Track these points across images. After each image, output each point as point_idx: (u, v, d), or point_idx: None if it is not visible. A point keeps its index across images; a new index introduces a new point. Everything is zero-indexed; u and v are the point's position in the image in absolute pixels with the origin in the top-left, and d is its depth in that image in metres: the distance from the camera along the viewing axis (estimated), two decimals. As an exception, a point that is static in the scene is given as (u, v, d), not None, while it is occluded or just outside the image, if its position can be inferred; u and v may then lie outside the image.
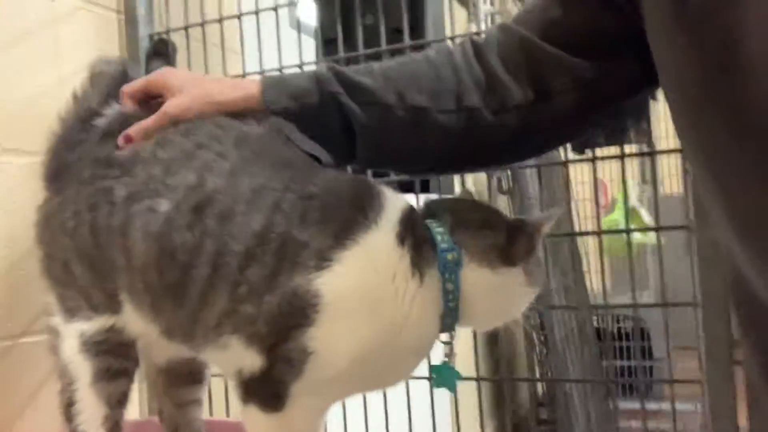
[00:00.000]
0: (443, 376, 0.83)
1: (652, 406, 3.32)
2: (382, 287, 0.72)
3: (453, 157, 0.90)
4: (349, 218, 0.74)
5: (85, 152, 0.85)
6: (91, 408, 0.83)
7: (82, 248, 0.82)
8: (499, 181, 3.02)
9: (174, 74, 0.89)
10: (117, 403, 0.84)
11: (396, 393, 1.26)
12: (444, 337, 0.78)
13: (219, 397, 1.16)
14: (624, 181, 1.30)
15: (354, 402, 0.99)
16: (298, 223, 0.73)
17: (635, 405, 3.33)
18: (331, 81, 0.84)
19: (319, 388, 0.76)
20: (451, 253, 0.73)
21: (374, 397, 1.17)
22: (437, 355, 0.82)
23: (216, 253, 0.74)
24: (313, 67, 1.16)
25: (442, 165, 0.95)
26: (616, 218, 3.18)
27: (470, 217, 0.78)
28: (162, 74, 0.89)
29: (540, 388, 3.13)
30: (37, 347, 0.97)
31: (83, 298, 0.83)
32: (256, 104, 0.85)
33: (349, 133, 0.85)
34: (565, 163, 1.23)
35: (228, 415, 1.24)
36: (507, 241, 0.76)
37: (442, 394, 1.35)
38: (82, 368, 0.83)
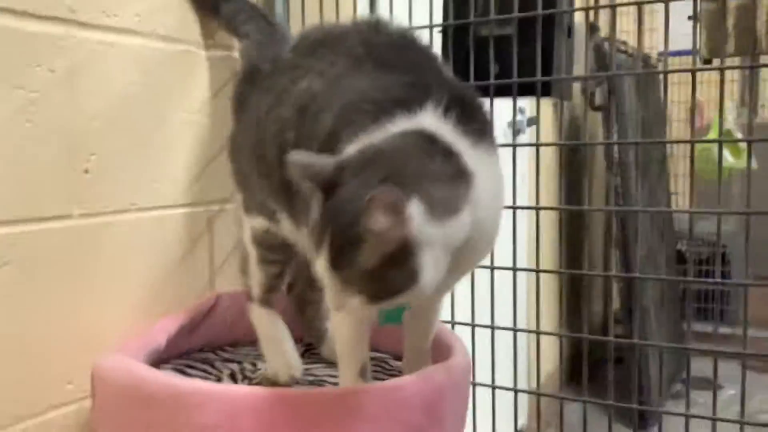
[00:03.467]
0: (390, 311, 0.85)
1: (726, 330, 3.33)
2: None
3: None
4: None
5: (254, 89, 1.02)
6: (256, 276, 1.03)
7: (249, 163, 1.00)
8: (592, 95, 2.96)
9: None
10: (274, 277, 1.03)
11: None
12: None
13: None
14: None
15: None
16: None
17: (708, 329, 3.35)
18: None
19: None
20: None
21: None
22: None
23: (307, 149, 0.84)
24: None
25: None
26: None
27: None
28: None
29: (616, 303, 3.16)
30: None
31: (252, 202, 1.02)
32: None
33: None
34: (665, 74, 1.21)
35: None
36: None
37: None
38: (252, 251, 1.03)
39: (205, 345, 1.11)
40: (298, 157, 0.74)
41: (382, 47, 0.88)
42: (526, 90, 1.17)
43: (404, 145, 0.73)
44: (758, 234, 1.35)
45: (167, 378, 0.78)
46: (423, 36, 1.13)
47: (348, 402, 0.75)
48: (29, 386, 0.93)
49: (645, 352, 2.60)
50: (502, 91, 1.17)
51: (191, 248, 1.18)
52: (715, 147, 3.11)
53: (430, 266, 0.68)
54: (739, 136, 3.09)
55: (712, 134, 3.17)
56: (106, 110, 1.04)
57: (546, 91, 1.16)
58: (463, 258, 0.75)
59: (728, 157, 3.06)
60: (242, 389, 0.77)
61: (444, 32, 1.26)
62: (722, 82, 1.11)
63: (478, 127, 0.78)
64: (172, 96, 1.15)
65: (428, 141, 0.73)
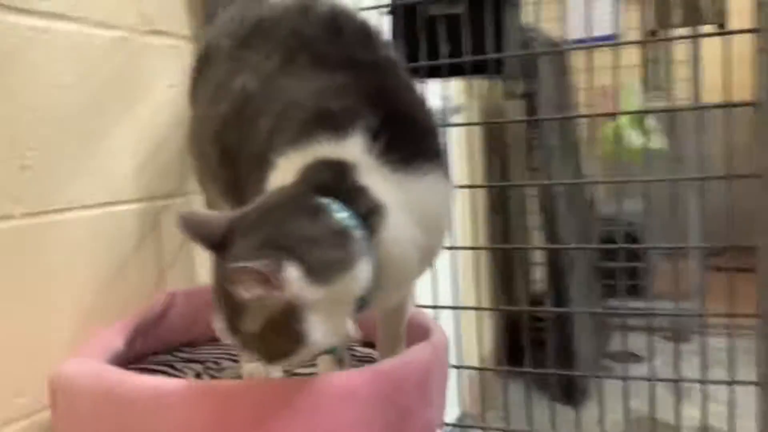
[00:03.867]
0: None
1: (640, 305, 3.48)
2: None
3: None
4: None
5: (200, 76, 0.99)
6: None
7: (201, 160, 0.98)
8: (509, 86, 3.02)
9: None
10: None
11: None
12: None
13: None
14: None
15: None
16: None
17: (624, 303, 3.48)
18: None
19: None
20: None
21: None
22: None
23: (247, 154, 0.83)
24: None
25: None
26: (621, 124, 3.20)
27: None
28: None
29: (540, 286, 3.25)
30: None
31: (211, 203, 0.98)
32: None
33: None
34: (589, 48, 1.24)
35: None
36: None
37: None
38: None
39: (162, 346, 1.05)
40: (188, 216, 0.72)
41: (315, 36, 0.84)
42: (475, 69, 1.17)
43: (296, 200, 0.71)
44: (661, 213, 1.43)
45: (144, 378, 0.73)
46: (371, 16, 1.10)
47: (344, 387, 0.72)
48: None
49: (573, 331, 2.68)
50: (454, 71, 1.16)
51: (139, 246, 1.12)
52: (625, 129, 3.26)
53: (318, 326, 0.67)
54: (648, 119, 3.22)
55: (623, 118, 3.31)
56: (42, 101, 0.96)
57: (498, 69, 1.17)
58: (394, 285, 0.76)
59: (635, 138, 3.19)
60: (231, 383, 0.73)
61: (392, 12, 1.25)
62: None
63: (409, 152, 0.75)
64: (110, 86, 1.08)
65: (337, 179, 0.72)
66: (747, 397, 1.31)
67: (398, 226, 0.72)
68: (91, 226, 1.03)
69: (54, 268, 0.97)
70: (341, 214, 0.69)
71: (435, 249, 0.80)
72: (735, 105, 1.17)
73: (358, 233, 0.69)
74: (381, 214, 0.71)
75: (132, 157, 1.11)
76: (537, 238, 3.19)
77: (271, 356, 0.70)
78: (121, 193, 1.09)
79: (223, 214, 0.72)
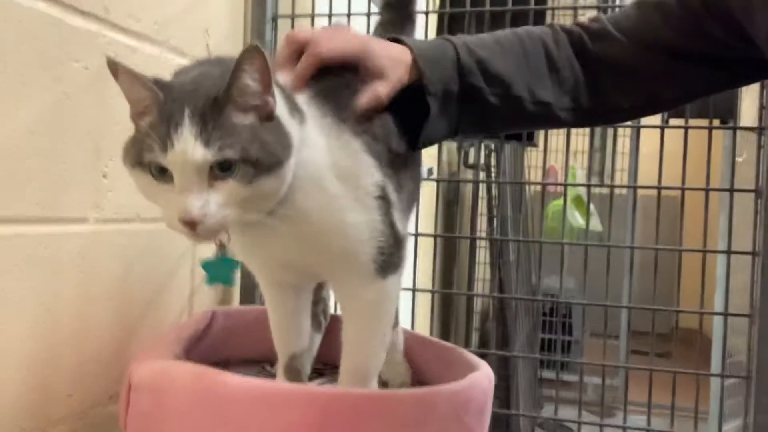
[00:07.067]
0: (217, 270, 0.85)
1: (569, 377, 3.65)
2: None
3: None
4: None
5: None
6: None
7: None
8: (466, 154, 3.19)
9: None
10: None
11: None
12: None
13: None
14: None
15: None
16: None
17: (552, 375, 3.63)
18: (474, 73, 0.87)
19: None
20: None
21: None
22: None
23: None
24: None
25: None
26: (562, 203, 3.40)
27: None
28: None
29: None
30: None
31: None
32: (409, 77, 0.85)
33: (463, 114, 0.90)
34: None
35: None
36: None
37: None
38: None
39: (200, 361, 1.08)
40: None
41: None
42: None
43: None
44: (592, 294, 1.58)
45: (245, 378, 0.77)
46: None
47: (427, 402, 0.78)
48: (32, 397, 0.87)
49: (514, 395, 2.80)
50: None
51: (176, 266, 1.15)
52: (568, 209, 3.47)
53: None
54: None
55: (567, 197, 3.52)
56: (125, 116, 1.01)
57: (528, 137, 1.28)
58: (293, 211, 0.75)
59: (578, 218, 3.40)
60: (333, 390, 0.78)
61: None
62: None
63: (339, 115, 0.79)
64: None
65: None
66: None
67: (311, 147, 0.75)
68: (147, 239, 1.07)
69: (112, 276, 1.00)
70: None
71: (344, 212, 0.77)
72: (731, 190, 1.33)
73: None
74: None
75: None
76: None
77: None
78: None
79: None
